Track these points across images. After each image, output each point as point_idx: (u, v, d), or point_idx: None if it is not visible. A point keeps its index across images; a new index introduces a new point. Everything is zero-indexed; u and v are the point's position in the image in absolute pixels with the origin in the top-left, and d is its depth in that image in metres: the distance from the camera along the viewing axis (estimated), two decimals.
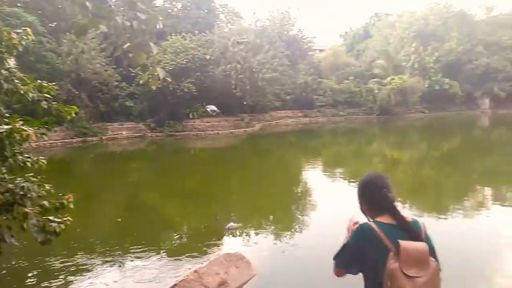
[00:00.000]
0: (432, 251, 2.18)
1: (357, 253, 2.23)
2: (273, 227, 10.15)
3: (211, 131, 32.26)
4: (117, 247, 8.58)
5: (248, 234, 9.48)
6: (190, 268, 6.94)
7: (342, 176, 17.28)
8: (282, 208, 12.19)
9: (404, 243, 2.03)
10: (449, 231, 9.74)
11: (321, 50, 68.87)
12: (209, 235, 9.49)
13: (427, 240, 2.23)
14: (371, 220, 2.31)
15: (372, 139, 32.33)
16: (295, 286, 6.47)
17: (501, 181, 15.74)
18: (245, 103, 34.89)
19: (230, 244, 8.61)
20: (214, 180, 16.50)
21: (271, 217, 11.32)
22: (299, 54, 41.70)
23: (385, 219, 2.24)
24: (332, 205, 12.20)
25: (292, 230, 9.75)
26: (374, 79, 44.78)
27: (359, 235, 2.25)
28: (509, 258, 8.16)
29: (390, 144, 29.01)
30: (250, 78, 33.16)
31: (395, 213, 2.22)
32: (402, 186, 15.79)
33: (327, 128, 38.28)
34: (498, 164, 19.66)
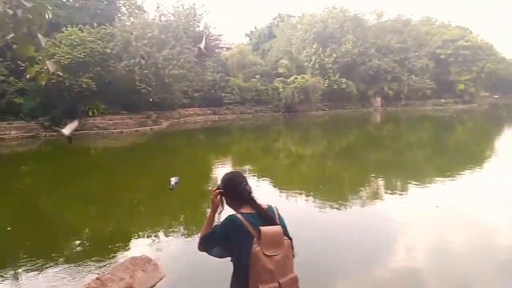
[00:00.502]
0: (284, 230, 2.58)
1: (222, 240, 2.58)
2: (182, 227, 9.96)
3: (114, 129, 30.56)
4: (8, 259, 7.69)
5: (156, 236, 9.18)
6: (93, 276, 6.49)
7: (251, 172, 17.62)
8: (191, 208, 12.03)
9: (263, 229, 2.41)
10: (348, 219, 10.53)
11: (228, 48, 69.55)
12: (114, 239, 8.98)
13: (280, 221, 2.62)
14: (236, 212, 2.63)
15: (278, 135, 33.56)
16: (205, 286, 6.41)
17: (391, 171, 17.47)
18: (151, 100, 33.71)
19: (136, 247, 8.25)
20: (118, 181, 15.67)
21: (181, 216, 11.10)
22: (206, 51, 41.47)
23: (247, 210, 2.59)
24: None
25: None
26: (279, 78, 46.52)
27: (227, 225, 2.56)
28: (400, 241, 9.06)
29: (295, 140, 30.38)
30: (156, 74, 32.12)
31: (253, 203, 2.60)
32: (307, 179, 16.67)
33: (235, 125, 38.74)
34: (388, 156, 21.80)
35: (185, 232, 9.47)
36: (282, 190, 13.88)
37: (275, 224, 2.53)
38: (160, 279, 6.42)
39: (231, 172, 2.92)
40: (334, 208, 11.50)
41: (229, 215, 2.63)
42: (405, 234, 9.57)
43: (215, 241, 2.64)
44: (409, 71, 52.59)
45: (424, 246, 8.78)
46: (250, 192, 2.67)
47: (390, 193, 13.60)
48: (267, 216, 2.56)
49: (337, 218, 10.76)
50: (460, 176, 15.84)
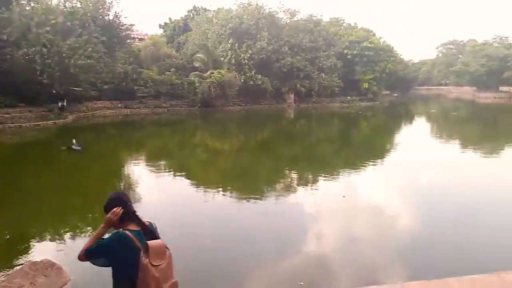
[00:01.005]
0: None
1: (107, 253, 2.86)
2: (89, 228, 9.26)
3: (12, 123, 27.59)
4: None
5: (60, 239, 8.41)
6: None
7: (167, 168, 17.07)
8: (98, 208, 11.24)
9: (150, 243, 2.73)
10: (263, 211, 10.69)
11: (140, 39, 66.73)
12: (14, 244, 8.06)
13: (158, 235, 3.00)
14: (122, 229, 2.91)
15: (195, 130, 33.08)
16: None
17: (304, 164, 18.18)
18: (54, 91, 31.01)
19: (39, 252, 7.46)
20: (17, 182, 14.13)
21: (88, 217, 10.34)
22: (116, 41, 39.25)
23: (133, 227, 2.91)
24: (155, 201, 11.94)
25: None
26: (195, 72, 45.79)
27: (115, 240, 2.86)
28: (310, 230, 9.42)
29: (212, 135, 30.20)
30: (60, 64, 29.57)
31: (138, 221, 2.94)
32: (224, 173, 16.63)
33: (149, 120, 37.38)
34: (301, 150, 22.67)
35: (93, 233, 8.82)
36: (199, 185, 13.66)
37: (157, 238, 2.90)
38: (64, 284, 5.86)
39: (116, 192, 3.16)
40: (251, 201, 11.62)
41: (117, 232, 2.91)
42: (316, 223, 10.04)
43: (103, 253, 2.87)
44: (320, 69, 55.22)
45: (332, 233, 9.27)
46: (135, 211, 2.99)
47: (302, 185, 14.15)
48: (150, 232, 2.93)
49: (252, 211, 10.88)
50: (364, 167, 17.02)
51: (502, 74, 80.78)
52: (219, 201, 11.79)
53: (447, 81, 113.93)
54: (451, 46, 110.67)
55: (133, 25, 43.71)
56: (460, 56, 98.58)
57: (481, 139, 27.33)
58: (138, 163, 18.64)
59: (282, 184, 14.54)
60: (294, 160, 19.37)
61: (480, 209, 10.88)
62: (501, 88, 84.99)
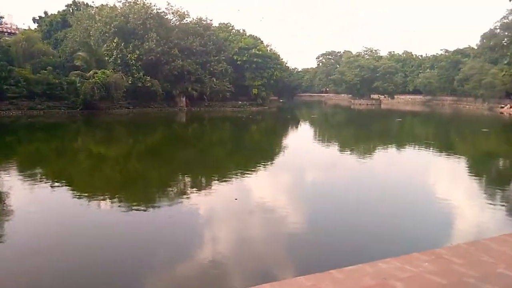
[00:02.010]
0: None
1: None
2: None
3: None
4: None
5: None
6: None
7: (43, 177, 15.23)
8: None
9: None
10: (155, 219, 10.14)
11: (11, 33, 59.33)
12: None
13: None
14: None
15: (76, 135, 30.35)
16: None
17: (197, 169, 17.86)
18: None
19: None
20: None
21: None
22: None
23: None
24: (26, 214, 10.56)
25: None
26: (75, 72, 42.17)
27: None
28: (205, 234, 9.19)
29: (96, 139, 28.04)
30: None
31: None
32: (111, 182, 15.44)
33: (21, 123, 33.26)
34: (194, 154, 22.30)
35: None
36: (81, 196, 12.43)
37: None
38: None
39: None
40: (141, 210, 10.94)
41: None
42: (208, 226, 9.91)
43: None
44: (211, 74, 55.42)
45: (224, 235, 9.22)
46: None
47: (195, 190, 13.84)
48: None
49: (143, 220, 10.25)
50: (256, 170, 17.43)
51: (373, 83, 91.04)
52: (103, 210, 10.86)
53: (327, 89, 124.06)
54: (329, 57, 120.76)
55: (1, 17, 38.59)
56: (338, 66, 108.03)
57: (356, 141, 30.14)
58: (7, 172, 16.30)
59: (174, 189, 14.06)
60: (186, 164, 18.93)
61: (358, 205, 11.84)
62: (372, 95, 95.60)
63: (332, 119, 56.17)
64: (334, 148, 26.32)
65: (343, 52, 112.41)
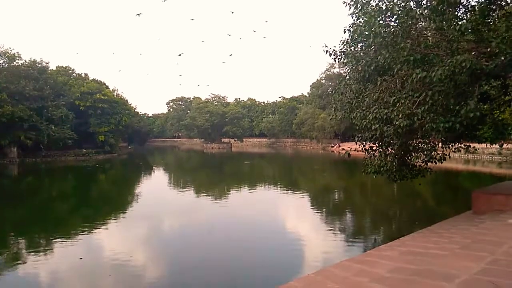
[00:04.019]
0: None
1: None
2: None
3: None
4: None
5: None
6: None
7: None
8: None
9: None
10: None
11: None
12: None
13: None
14: None
15: None
16: None
17: (33, 228, 15.42)
18: None
19: None
20: None
21: None
22: None
23: None
24: None
25: None
26: None
27: None
28: None
29: None
30: None
31: None
32: None
33: None
34: (29, 212, 19.31)
35: None
36: None
37: None
38: None
39: None
40: None
41: None
42: None
43: None
44: (48, 120, 50.06)
45: None
46: None
47: (33, 252, 11.87)
48: None
49: None
50: (103, 224, 15.98)
51: (223, 127, 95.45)
52: None
53: (180, 134, 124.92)
54: (180, 103, 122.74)
55: None
56: (189, 111, 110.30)
57: (210, 184, 30.58)
58: None
59: (5, 255, 11.80)
60: (19, 224, 16.23)
61: (206, 253, 11.77)
62: (223, 139, 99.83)
63: (186, 163, 56.18)
64: (189, 193, 26.08)
65: (193, 98, 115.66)
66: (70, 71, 64.40)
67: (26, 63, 50.47)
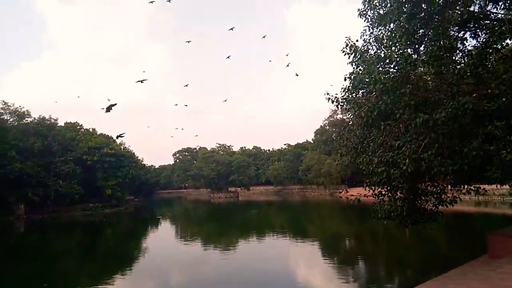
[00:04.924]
0: None
1: None
2: None
3: None
4: None
5: None
6: None
7: None
8: None
9: None
10: None
11: None
12: None
13: None
14: None
15: None
16: None
17: (36, 286, 15.05)
18: None
19: None
20: None
21: None
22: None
23: None
24: None
25: None
26: None
27: None
28: None
29: None
30: None
31: None
32: None
33: None
34: (36, 269, 18.93)
35: None
36: None
37: None
38: None
39: None
40: None
41: None
42: None
43: None
44: (56, 176, 50.39)
45: None
46: None
47: None
48: None
49: None
50: (110, 281, 15.57)
51: (229, 176, 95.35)
52: None
53: (186, 184, 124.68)
54: (186, 153, 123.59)
55: None
56: (195, 162, 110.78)
57: (218, 235, 30.05)
58: None
59: None
60: (26, 282, 15.86)
61: None
62: (229, 188, 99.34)
63: (193, 214, 55.56)
64: (196, 245, 25.53)
65: (199, 149, 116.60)
66: (78, 127, 65.74)
67: (35, 121, 51.57)
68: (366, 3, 11.17)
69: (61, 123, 59.49)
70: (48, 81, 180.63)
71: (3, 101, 49.49)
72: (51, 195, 48.41)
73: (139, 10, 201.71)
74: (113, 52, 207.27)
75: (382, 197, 11.11)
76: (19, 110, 50.53)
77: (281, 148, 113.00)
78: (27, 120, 51.22)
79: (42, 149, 48.60)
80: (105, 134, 66.65)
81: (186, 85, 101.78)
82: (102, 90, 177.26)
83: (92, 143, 59.51)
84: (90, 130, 67.02)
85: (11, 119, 50.39)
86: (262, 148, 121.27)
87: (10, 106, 49.86)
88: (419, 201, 11.05)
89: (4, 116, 49.33)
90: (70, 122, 65.36)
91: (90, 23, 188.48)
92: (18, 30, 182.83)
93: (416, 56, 9.47)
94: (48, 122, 52.95)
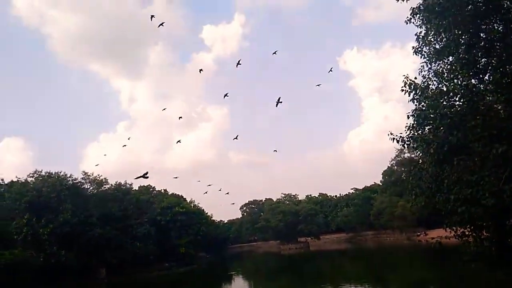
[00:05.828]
0: None
1: None
2: None
3: None
4: None
5: None
6: None
7: None
8: None
9: None
10: None
11: None
12: None
13: None
14: None
15: None
16: None
17: None
18: None
19: None
20: None
21: None
22: None
23: None
24: None
25: None
26: None
27: None
28: None
29: None
30: None
31: None
32: None
33: None
34: None
35: None
36: None
37: None
38: None
39: None
40: None
41: None
42: None
43: None
44: (133, 238, 52.79)
45: None
46: None
47: None
48: None
49: None
50: None
51: (297, 226, 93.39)
52: None
53: (255, 237, 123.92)
54: (253, 206, 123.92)
55: None
56: (262, 214, 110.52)
57: None
58: None
59: None
60: None
61: None
62: (299, 238, 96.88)
63: (266, 269, 54.45)
64: None
65: (265, 200, 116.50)
66: (151, 189, 69.18)
67: (112, 187, 55.24)
68: (420, 40, 11.08)
69: (135, 187, 63.14)
70: (123, 148, 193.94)
71: (84, 172, 53.84)
72: (129, 256, 50.45)
73: (197, 76, 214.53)
74: (177, 115, 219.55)
75: (466, 238, 10.28)
76: (98, 178, 54.56)
77: (349, 193, 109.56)
78: (105, 187, 55.00)
79: (118, 213, 51.46)
80: (176, 194, 69.40)
81: (236, 138, 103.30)
82: (171, 152, 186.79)
83: (164, 204, 62.05)
84: (162, 191, 70.19)
85: (91, 188, 54.41)
86: (328, 195, 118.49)
87: (89, 175, 54.05)
88: (510, 240, 10.07)
89: (85, 185, 53.41)
90: (144, 185, 69.21)
91: (155, 93, 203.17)
92: (95, 106, 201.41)
93: (481, 86, 9.09)
94: (124, 187, 56.47)
